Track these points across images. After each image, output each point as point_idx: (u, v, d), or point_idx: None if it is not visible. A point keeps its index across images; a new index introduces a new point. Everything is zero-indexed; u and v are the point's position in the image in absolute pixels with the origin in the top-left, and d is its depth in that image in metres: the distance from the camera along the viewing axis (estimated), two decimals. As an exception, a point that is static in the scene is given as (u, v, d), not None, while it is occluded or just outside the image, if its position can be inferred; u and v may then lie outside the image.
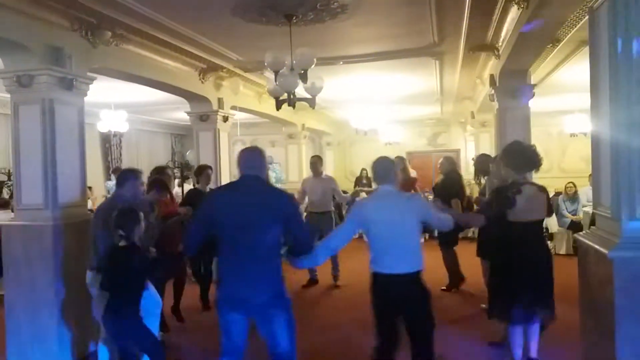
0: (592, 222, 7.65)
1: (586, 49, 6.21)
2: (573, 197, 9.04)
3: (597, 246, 3.05)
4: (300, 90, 5.42)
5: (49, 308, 4.50)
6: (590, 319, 3.36)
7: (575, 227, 8.65)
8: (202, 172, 6.41)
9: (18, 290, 4.60)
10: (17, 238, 4.62)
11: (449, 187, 6.77)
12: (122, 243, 3.53)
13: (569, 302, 4.09)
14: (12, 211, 7.35)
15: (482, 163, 5.88)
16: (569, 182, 9.26)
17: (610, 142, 2.96)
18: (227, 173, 8.29)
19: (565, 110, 12.01)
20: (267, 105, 9.42)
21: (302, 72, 5.04)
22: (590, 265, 3.25)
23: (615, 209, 2.90)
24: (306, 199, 7.52)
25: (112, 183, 9.96)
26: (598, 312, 3.17)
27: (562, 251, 8.97)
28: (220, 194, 3.45)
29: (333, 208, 7.70)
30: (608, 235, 3.01)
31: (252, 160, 3.24)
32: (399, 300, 3.29)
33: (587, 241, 3.26)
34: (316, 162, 7.42)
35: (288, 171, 12.73)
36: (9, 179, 9.95)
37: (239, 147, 15.61)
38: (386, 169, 3.55)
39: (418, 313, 3.33)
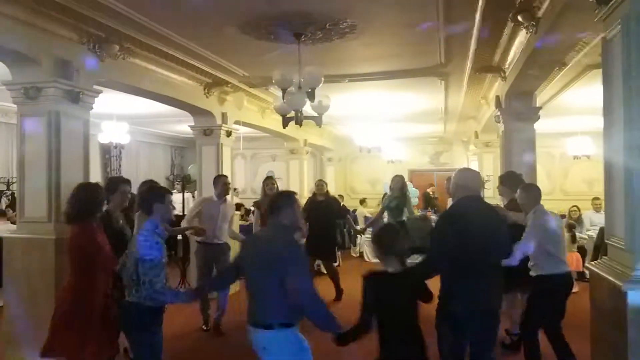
0: (597, 248, 7.73)
1: (592, 73, 6.34)
2: (577, 221, 8.96)
3: (610, 277, 3.01)
4: (307, 108, 5.41)
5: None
6: (602, 350, 3.30)
7: (579, 251, 8.58)
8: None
9: (18, 303, 4.53)
10: (18, 251, 4.57)
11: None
12: None
13: (577, 329, 4.03)
14: (10, 221, 7.36)
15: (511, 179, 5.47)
16: (573, 206, 9.20)
17: (624, 168, 2.94)
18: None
19: (568, 132, 12.03)
20: (270, 120, 9.42)
21: (310, 90, 5.03)
22: (603, 296, 3.20)
23: (629, 240, 2.87)
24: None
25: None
26: (610, 344, 3.12)
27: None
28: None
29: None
30: (621, 267, 2.97)
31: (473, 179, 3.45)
32: None
33: (599, 272, 3.22)
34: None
35: (289, 186, 12.67)
36: (8, 189, 9.93)
37: (239, 161, 15.75)
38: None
39: None
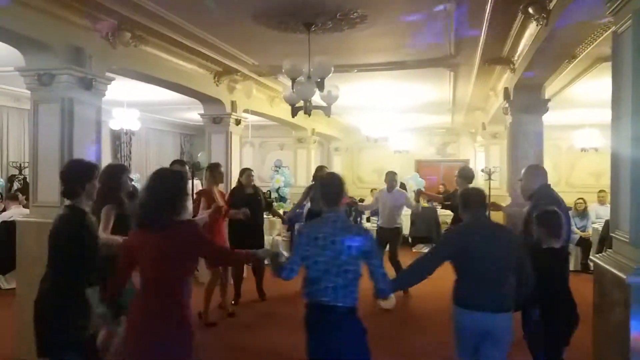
0: (602, 240, 7.75)
1: (601, 66, 6.32)
2: (582, 213, 8.98)
3: (614, 270, 3.05)
4: (316, 98, 5.44)
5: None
6: (605, 342, 3.35)
7: (584, 243, 8.61)
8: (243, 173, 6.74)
9: (30, 286, 4.60)
10: (31, 234, 4.64)
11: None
12: None
13: (580, 321, 4.07)
14: (22, 205, 7.47)
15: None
16: (578, 198, 9.20)
17: (630, 161, 2.96)
18: (237, 175, 8.31)
19: (576, 124, 11.99)
20: (279, 109, 9.46)
21: (319, 80, 5.07)
22: (607, 289, 3.24)
23: (634, 234, 2.90)
24: None
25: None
26: (612, 335, 3.16)
27: (571, 268, 8.92)
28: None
29: None
30: (626, 260, 3.01)
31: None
32: None
33: (604, 264, 3.26)
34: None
35: (296, 175, 12.74)
36: (20, 173, 10.06)
37: (247, 149, 15.79)
38: None
39: None
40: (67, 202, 3.05)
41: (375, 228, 7.58)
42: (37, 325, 2.96)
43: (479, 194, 3.36)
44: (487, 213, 3.78)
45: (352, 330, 2.84)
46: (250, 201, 6.36)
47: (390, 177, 7.30)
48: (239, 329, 5.80)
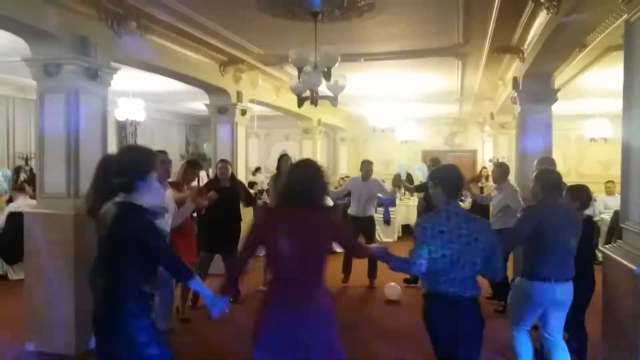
0: (611, 230, 7.69)
1: (612, 55, 6.24)
2: None
3: (624, 261, 3.02)
4: (322, 88, 5.39)
5: (66, 297, 4.53)
6: (614, 332, 3.33)
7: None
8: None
9: (38, 277, 4.65)
10: (38, 226, 4.66)
11: None
12: None
13: (590, 312, 4.06)
14: (29, 197, 7.50)
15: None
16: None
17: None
18: (243, 166, 8.30)
19: (585, 114, 11.90)
20: (285, 99, 9.42)
21: (326, 70, 5.02)
22: (616, 279, 3.22)
23: (645, 224, 2.86)
24: None
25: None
26: (622, 326, 3.14)
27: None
28: None
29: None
30: (636, 251, 2.98)
31: None
32: None
33: (613, 255, 3.23)
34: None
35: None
36: (27, 164, 10.09)
37: (253, 140, 15.79)
38: None
39: None
40: (118, 197, 2.59)
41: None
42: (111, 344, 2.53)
43: (558, 177, 3.68)
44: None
45: (476, 318, 2.93)
46: (223, 195, 5.57)
47: (367, 166, 7.26)
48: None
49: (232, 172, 6.26)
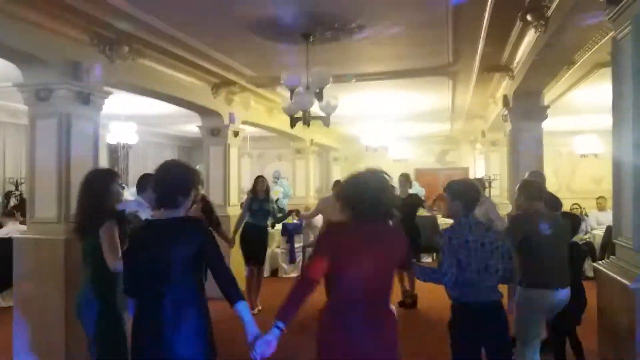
0: (604, 246, 7.70)
1: (600, 72, 6.32)
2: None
3: (618, 277, 3.01)
4: (315, 108, 5.42)
5: (57, 324, 4.46)
6: (610, 349, 3.31)
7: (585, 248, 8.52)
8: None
9: (27, 305, 4.57)
10: (28, 251, 4.61)
11: None
12: None
13: (585, 328, 4.04)
14: (19, 222, 7.42)
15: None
16: (574, 204, 9.17)
17: (632, 166, 2.94)
18: (236, 187, 8.27)
19: (576, 130, 12.00)
20: (277, 120, 9.44)
21: (318, 91, 5.05)
22: (611, 295, 3.21)
23: (637, 240, 2.87)
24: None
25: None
26: (618, 342, 3.12)
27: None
28: None
29: None
30: (629, 267, 2.98)
31: None
32: None
33: (607, 271, 3.22)
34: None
35: (295, 186, 12.71)
36: (17, 189, 10.01)
37: (245, 160, 15.82)
38: None
39: None
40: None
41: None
42: None
43: (538, 186, 3.80)
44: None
45: (505, 321, 3.09)
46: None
47: (339, 186, 7.20)
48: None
49: (202, 194, 6.20)
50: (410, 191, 8.65)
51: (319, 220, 7.83)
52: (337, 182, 7.37)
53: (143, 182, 4.10)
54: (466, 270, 2.96)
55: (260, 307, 6.57)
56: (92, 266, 3.20)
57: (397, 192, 7.26)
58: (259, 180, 6.97)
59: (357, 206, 2.53)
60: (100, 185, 3.30)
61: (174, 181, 2.55)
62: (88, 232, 3.19)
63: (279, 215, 7.54)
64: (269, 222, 7.18)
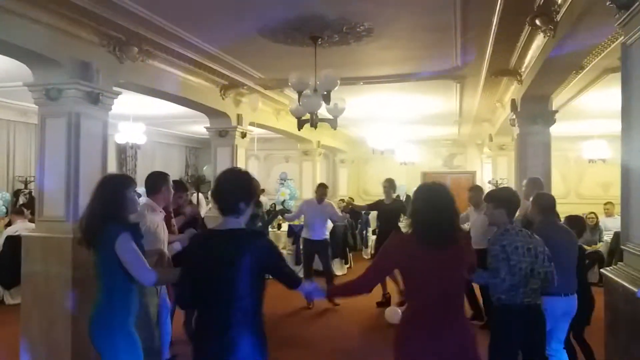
0: (611, 252, 7.65)
1: (609, 77, 6.29)
2: (594, 228, 8.68)
3: (625, 283, 2.99)
4: (322, 110, 5.43)
5: (64, 323, 4.49)
6: (617, 356, 3.28)
7: (594, 257, 8.46)
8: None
9: (35, 302, 4.61)
10: (36, 249, 4.64)
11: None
12: None
13: (592, 334, 4.02)
14: (28, 220, 7.48)
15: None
16: (590, 213, 8.90)
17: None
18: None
19: (583, 135, 11.94)
20: (285, 122, 9.47)
21: (326, 93, 5.06)
22: (618, 302, 3.18)
23: (647, 246, 2.85)
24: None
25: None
26: (626, 350, 3.10)
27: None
28: None
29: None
30: (637, 273, 2.95)
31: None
32: None
33: (615, 277, 3.20)
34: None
35: (302, 188, 12.72)
36: (26, 187, 10.09)
37: (253, 162, 15.87)
38: None
39: None
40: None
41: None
42: None
43: (553, 200, 3.99)
44: None
45: (543, 323, 3.32)
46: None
47: (322, 189, 7.41)
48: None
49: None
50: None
51: None
52: (320, 185, 7.49)
53: (155, 182, 4.01)
54: (516, 274, 3.14)
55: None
56: (106, 280, 2.89)
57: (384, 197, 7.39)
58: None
59: (421, 228, 2.66)
60: (115, 192, 2.96)
61: (236, 189, 2.56)
62: (99, 242, 2.86)
63: (266, 218, 7.55)
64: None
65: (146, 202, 3.90)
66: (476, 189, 6.64)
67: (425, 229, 2.64)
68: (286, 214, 8.38)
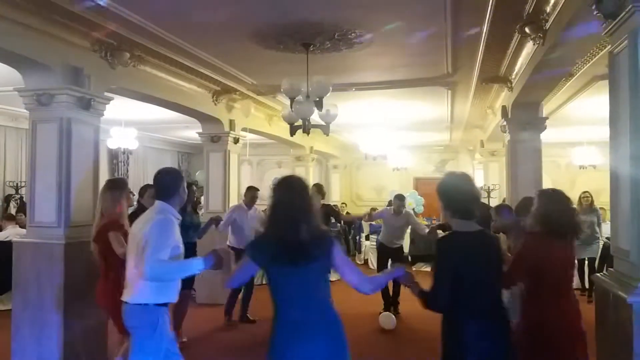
0: (602, 258, 7.70)
1: (598, 84, 6.36)
2: (589, 209, 8.13)
3: (615, 290, 3.02)
4: (314, 116, 5.45)
5: (55, 329, 4.47)
6: (607, 362, 3.31)
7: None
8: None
9: (26, 308, 4.58)
10: (27, 255, 4.62)
11: None
12: None
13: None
14: (19, 225, 7.44)
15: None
16: (584, 192, 8.44)
17: (630, 179, 2.95)
18: (236, 193, 8.29)
19: (574, 142, 12.04)
20: (277, 128, 9.48)
21: (318, 99, 5.08)
22: (608, 308, 3.21)
23: (635, 252, 2.88)
24: None
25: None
26: (615, 356, 3.12)
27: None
28: None
29: None
30: (627, 279, 2.98)
31: None
32: None
33: (605, 284, 3.23)
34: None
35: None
36: (17, 193, 10.03)
37: (245, 167, 15.84)
38: None
39: None
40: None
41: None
42: None
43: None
44: None
45: None
46: None
47: (252, 192, 6.95)
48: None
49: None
50: (410, 198, 8.72)
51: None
52: (249, 188, 7.02)
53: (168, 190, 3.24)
54: None
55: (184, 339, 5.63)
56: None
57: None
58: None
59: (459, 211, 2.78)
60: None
61: (467, 194, 2.79)
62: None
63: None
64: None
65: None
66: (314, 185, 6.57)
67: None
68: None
